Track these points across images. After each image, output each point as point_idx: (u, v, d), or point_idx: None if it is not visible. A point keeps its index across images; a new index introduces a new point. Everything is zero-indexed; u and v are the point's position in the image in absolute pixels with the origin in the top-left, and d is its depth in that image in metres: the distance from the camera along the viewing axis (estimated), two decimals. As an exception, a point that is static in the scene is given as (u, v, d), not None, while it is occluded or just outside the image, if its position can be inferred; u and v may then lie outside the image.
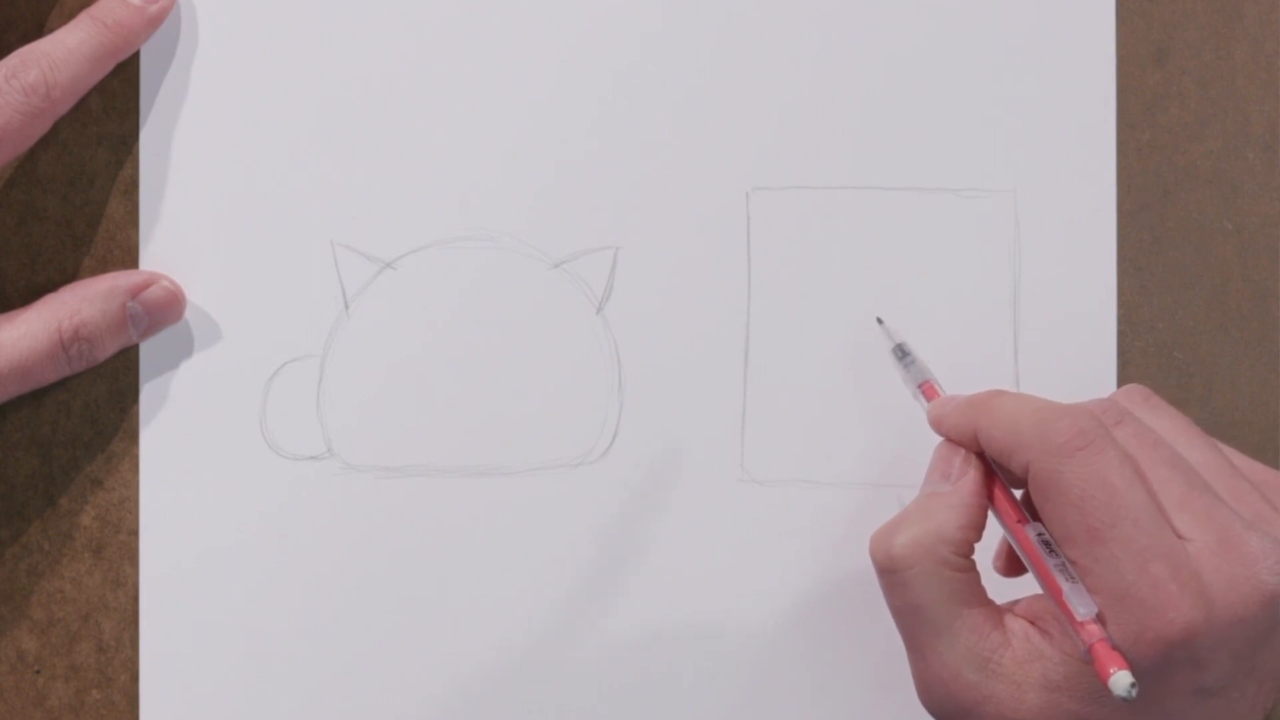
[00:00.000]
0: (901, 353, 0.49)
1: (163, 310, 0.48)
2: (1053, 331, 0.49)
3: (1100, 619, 0.41)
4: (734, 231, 0.50)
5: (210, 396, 0.49)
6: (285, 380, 0.49)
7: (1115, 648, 0.40)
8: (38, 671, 0.48)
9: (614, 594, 0.50)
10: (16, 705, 0.48)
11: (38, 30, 0.48)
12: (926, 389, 0.48)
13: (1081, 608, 0.41)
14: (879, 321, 0.49)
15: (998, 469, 0.45)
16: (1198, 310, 0.52)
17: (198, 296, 0.48)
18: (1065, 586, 0.42)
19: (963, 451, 0.45)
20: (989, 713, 0.42)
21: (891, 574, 0.43)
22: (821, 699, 0.50)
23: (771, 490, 0.50)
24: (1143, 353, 0.52)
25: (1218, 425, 0.52)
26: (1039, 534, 0.43)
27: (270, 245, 0.49)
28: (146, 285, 0.47)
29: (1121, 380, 0.52)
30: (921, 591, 0.43)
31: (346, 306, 0.49)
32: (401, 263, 0.49)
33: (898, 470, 0.50)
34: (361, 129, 0.49)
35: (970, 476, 0.45)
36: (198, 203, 0.48)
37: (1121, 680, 0.40)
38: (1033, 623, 0.43)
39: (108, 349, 0.47)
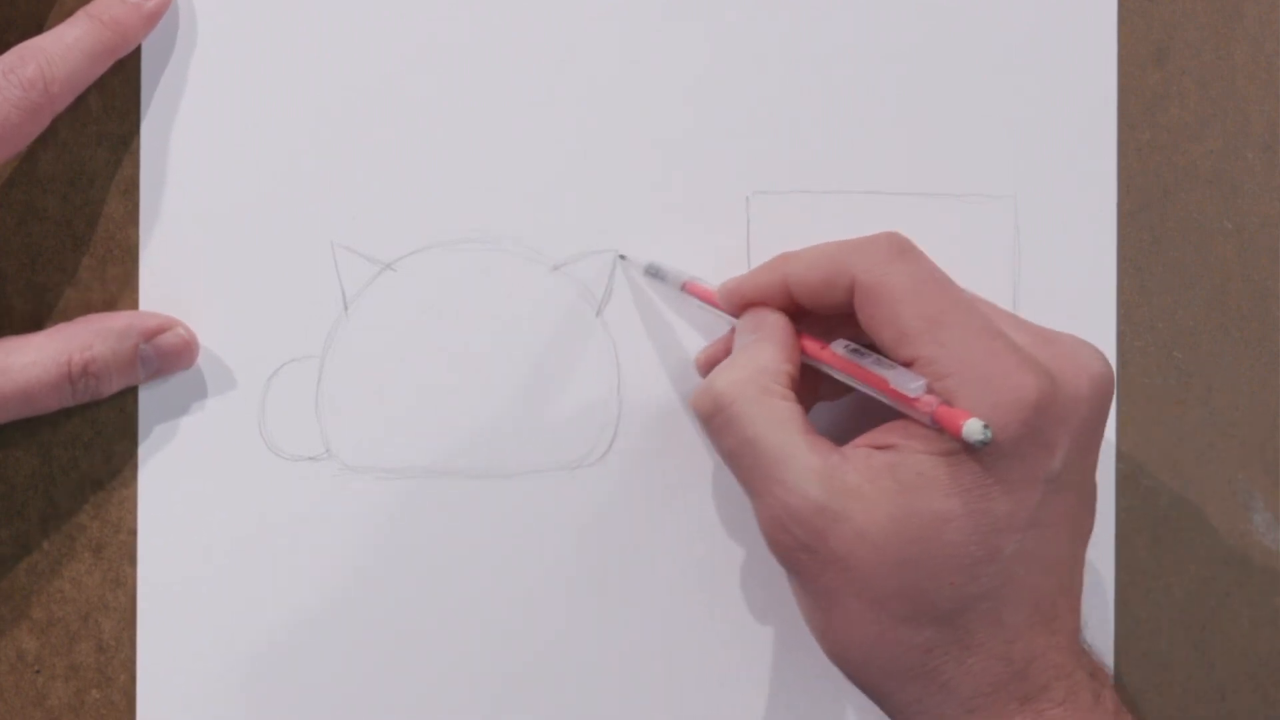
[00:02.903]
0: (655, 270, 0.49)
1: (174, 357, 0.47)
2: (1052, 332, 0.49)
3: (946, 399, 0.41)
4: (734, 235, 0.50)
5: (209, 396, 0.49)
6: (284, 381, 0.49)
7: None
8: (38, 671, 0.48)
9: (613, 596, 0.50)
10: (16, 705, 0.48)
11: (37, 29, 0.48)
12: (691, 286, 0.48)
13: (911, 383, 0.41)
14: (621, 258, 0.50)
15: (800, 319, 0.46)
16: (1198, 310, 0.52)
17: (198, 296, 0.48)
18: (889, 374, 0.42)
19: (764, 309, 0.46)
20: (844, 533, 0.41)
21: (719, 413, 0.43)
22: (822, 695, 0.50)
23: (771, 491, 0.50)
24: (1143, 353, 0.52)
25: (1217, 425, 0.52)
26: (845, 346, 0.44)
27: (270, 246, 0.49)
28: (161, 330, 0.47)
29: (1122, 381, 0.52)
30: (753, 422, 0.43)
31: (346, 308, 0.49)
32: (401, 264, 0.49)
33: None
34: (362, 130, 0.49)
35: (777, 318, 0.45)
36: (198, 203, 0.48)
37: (974, 425, 0.40)
38: (870, 447, 0.43)
39: (114, 386, 0.47)
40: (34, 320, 0.48)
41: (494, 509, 0.49)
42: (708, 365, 0.48)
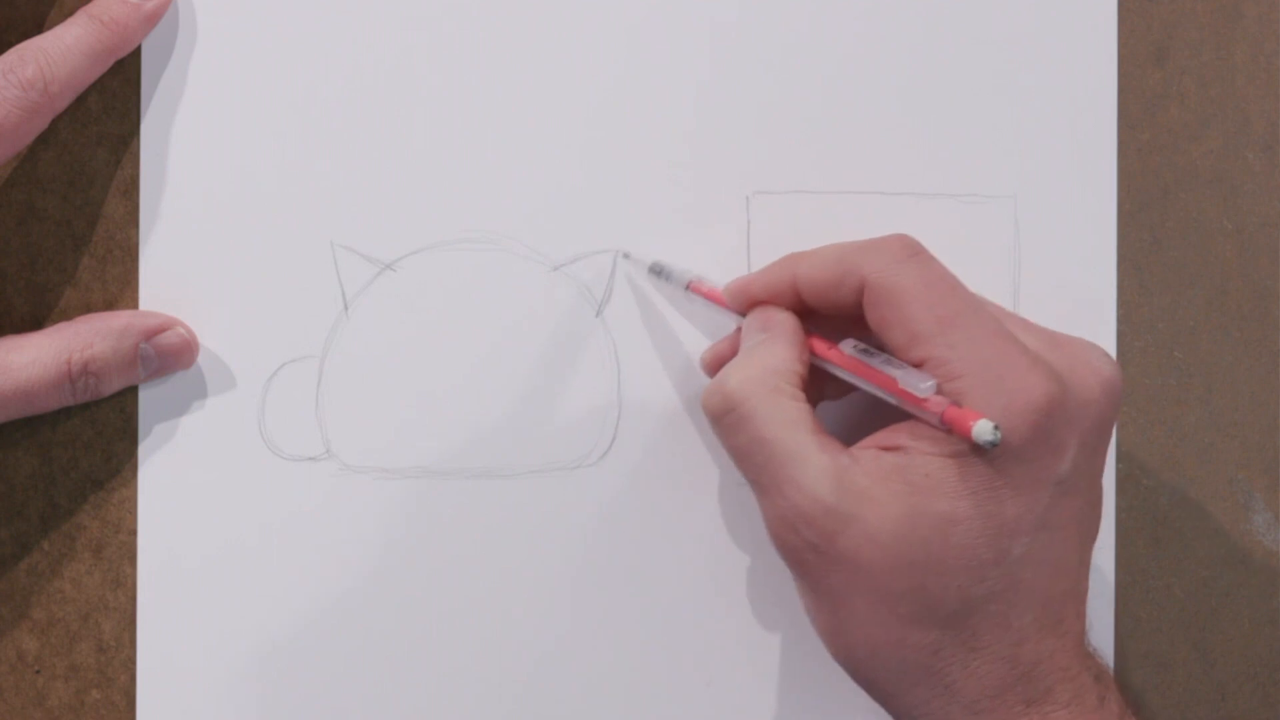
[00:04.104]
0: (659, 269, 0.49)
1: (174, 356, 0.47)
2: (1052, 332, 0.49)
3: (955, 400, 0.41)
4: (734, 235, 0.50)
5: (209, 397, 0.49)
6: (284, 381, 0.49)
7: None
8: (38, 671, 0.48)
9: (613, 596, 0.50)
10: (16, 705, 0.48)
11: (37, 29, 0.48)
12: (697, 286, 0.48)
13: (921, 383, 0.41)
14: (625, 256, 0.49)
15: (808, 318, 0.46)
16: (1198, 310, 0.52)
17: (198, 296, 0.48)
18: (898, 374, 0.42)
19: (773, 308, 0.46)
20: (853, 534, 0.41)
21: (729, 413, 0.43)
22: (826, 694, 0.50)
23: (771, 491, 0.50)
24: (1143, 353, 0.52)
25: (1217, 425, 0.52)
26: (854, 345, 0.44)
27: (270, 246, 0.49)
28: (161, 329, 0.47)
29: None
30: (764, 421, 0.43)
31: (346, 308, 0.49)
32: (401, 264, 0.49)
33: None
34: (362, 130, 0.49)
35: (786, 317, 0.45)
36: (198, 203, 0.48)
37: (984, 426, 0.40)
38: (879, 449, 0.43)
39: (114, 385, 0.47)
40: (34, 320, 0.48)
41: (494, 509, 0.49)
42: (714, 364, 0.48)
